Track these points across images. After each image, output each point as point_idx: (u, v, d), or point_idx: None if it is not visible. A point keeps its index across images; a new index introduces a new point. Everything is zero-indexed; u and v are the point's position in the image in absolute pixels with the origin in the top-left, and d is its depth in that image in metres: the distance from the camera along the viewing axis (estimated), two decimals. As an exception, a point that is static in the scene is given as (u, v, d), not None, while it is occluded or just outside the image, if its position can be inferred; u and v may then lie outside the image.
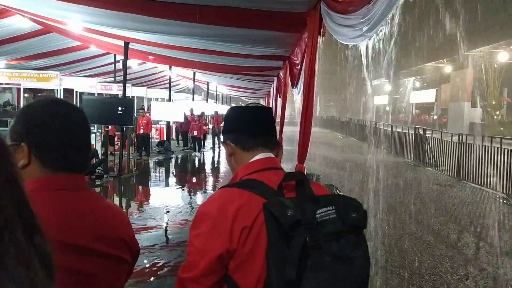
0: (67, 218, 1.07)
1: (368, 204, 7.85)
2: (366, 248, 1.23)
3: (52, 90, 15.67)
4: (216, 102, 30.81)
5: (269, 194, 1.26)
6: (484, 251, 5.99)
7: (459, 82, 34.03)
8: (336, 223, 1.20)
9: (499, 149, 10.26)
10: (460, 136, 12.86)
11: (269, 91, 14.52)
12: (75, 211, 1.10)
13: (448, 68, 33.61)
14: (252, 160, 1.41)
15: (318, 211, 1.20)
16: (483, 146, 11.15)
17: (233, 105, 1.51)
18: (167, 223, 7.28)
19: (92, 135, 12.81)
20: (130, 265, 1.23)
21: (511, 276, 5.07)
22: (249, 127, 1.46)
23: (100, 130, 13.40)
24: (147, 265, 5.08)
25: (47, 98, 1.21)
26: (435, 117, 38.74)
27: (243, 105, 1.54)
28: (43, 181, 1.08)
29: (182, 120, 17.35)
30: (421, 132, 15.58)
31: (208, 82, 22.03)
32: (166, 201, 8.97)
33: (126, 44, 9.93)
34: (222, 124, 1.57)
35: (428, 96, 40.95)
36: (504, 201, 9.26)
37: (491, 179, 10.37)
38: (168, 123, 18.49)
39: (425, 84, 41.99)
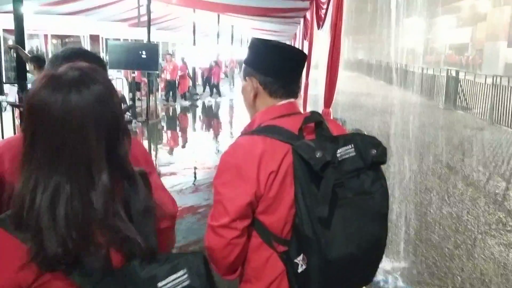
0: None
1: (395, 147, 7.78)
2: (385, 182, 1.27)
3: (78, 36, 15.71)
4: (241, 46, 30.23)
5: (291, 138, 1.26)
6: (513, 194, 5.93)
7: (496, 20, 32.20)
8: (356, 161, 1.24)
9: (535, 90, 9.84)
10: (495, 78, 12.34)
11: (295, 33, 14.12)
12: None
13: (485, 5, 31.72)
14: (273, 105, 1.37)
15: (338, 151, 1.23)
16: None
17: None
18: (195, 167, 7.43)
19: (119, 81, 12.84)
20: None
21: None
22: (285, 74, 1.37)
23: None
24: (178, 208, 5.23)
25: None
26: (469, 58, 37.13)
27: (272, 40, 1.41)
28: None
29: (207, 65, 17.24)
30: (454, 74, 15.02)
31: (232, 26, 21.52)
32: (194, 145, 9.11)
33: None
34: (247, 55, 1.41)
35: (462, 35, 39.10)
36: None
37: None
38: (193, 68, 18.37)
39: (460, 22, 39.94)
